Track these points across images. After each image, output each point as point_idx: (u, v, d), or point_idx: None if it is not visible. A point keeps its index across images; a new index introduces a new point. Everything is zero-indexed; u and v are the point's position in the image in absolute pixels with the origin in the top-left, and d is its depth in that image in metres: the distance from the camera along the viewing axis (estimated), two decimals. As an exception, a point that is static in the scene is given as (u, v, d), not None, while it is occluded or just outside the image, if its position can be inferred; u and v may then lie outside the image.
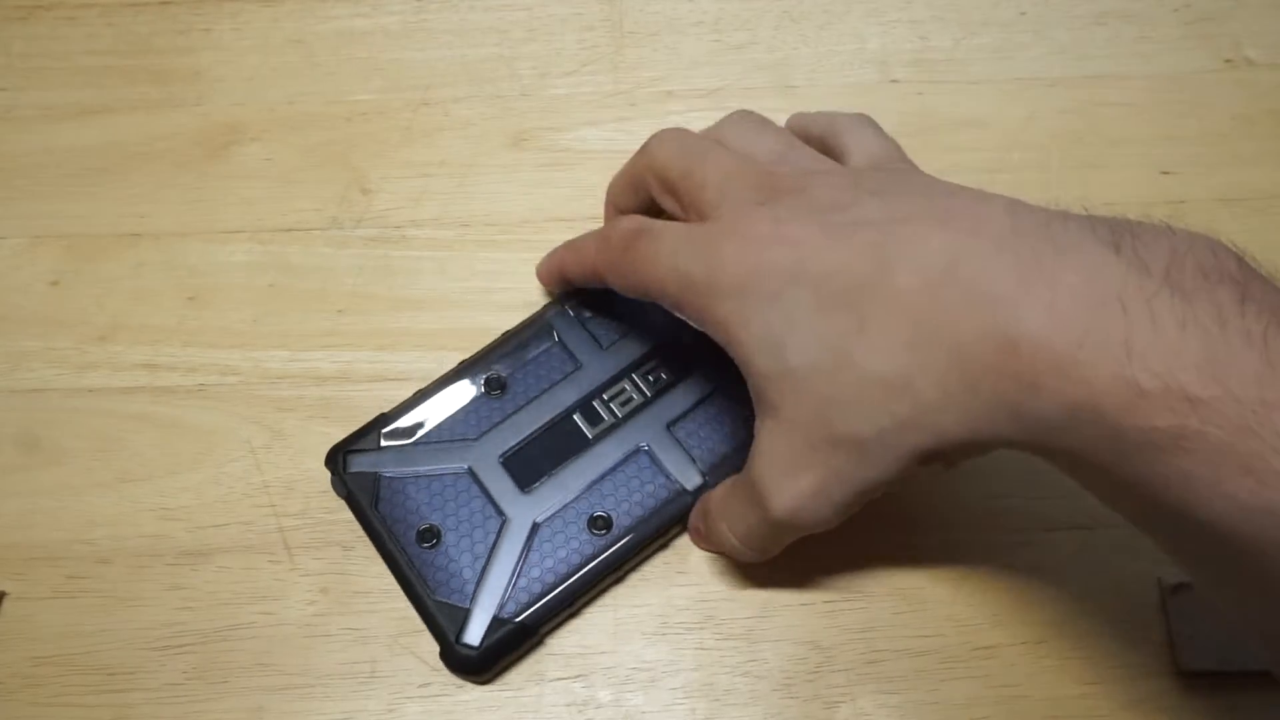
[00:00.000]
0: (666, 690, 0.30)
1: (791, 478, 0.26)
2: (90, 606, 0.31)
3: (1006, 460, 0.33)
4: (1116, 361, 0.20)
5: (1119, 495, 0.22)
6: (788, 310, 0.25)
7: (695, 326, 0.27)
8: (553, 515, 0.30)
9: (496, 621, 0.29)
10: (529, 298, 0.35)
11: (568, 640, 0.30)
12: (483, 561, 0.29)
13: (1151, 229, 0.21)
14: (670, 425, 0.31)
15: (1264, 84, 0.39)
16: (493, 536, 0.30)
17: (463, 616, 0.29)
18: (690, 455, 0.31)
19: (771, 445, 0.26)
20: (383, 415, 0.32)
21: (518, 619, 0.29)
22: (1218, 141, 0.38)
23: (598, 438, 0.31)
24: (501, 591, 0.29)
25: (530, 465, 0.31)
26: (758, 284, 0.25)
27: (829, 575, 0.31)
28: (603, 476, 0.30)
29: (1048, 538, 0.32)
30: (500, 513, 0.30)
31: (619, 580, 0.31)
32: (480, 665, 0.29)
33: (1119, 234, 0.21)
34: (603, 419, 0.31)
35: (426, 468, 0.31)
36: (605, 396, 0.31)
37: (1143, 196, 0.37)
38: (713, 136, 0.30)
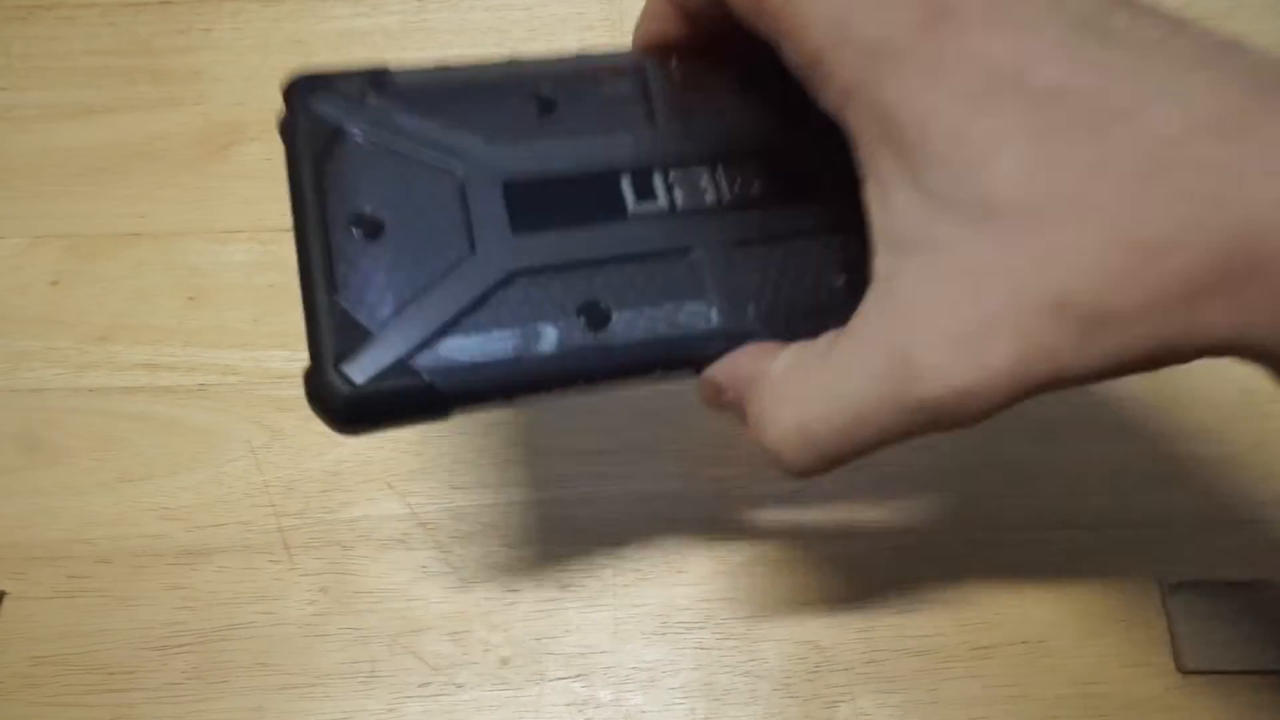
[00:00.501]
0: (666, 690, 0.30)
1: (972, 345, 0.18)
2: (90, 606, 0.31)
3: (1007, 460, 0.33)
4: None
5: None
6: (999, 119, 0.18)
7: (828, 107, 0.19)
8: (537, 275, 0.22)
9: (399, 366, 0.21)
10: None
11: (568, 640, 0.30)
12: (418, 288, 0.21)
13: None
14: (739, 245, 0.23)
15: (1264, 84, 0.39)
16: (446, 265, 0.21)
17: (358, 340, 0.21)
18: (751, 288, 0.23)
19: (938, 295, 0.18)
20: (386, 69, 0.23)
21: (428, 378, 0.21)
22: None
23: (639, 217, 0.23)
24: (424, 335, 0.21)
25: (537, 206, 0.22)
26: (958, 73, 0.18)
27: (829, 575, 0.31)
28: (623, 260, 0.22)
29: (1048, 537, 0.32)
30: (471, 244, 0.22)
31: (581, 391, 0.22)
32: (349, 411, 0.21)
33: None
34: (656, 198, 0.23)
35: (407, 148, 0.22)
36: (670, 176, 0.23)
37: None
38: None
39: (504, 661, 0.30)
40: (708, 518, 0.32)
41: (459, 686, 0.30)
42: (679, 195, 0.23)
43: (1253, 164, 0.17)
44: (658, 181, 0.23)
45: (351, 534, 0.32)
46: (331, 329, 0.21)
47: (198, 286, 0.36)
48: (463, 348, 0.21)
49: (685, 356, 0.22)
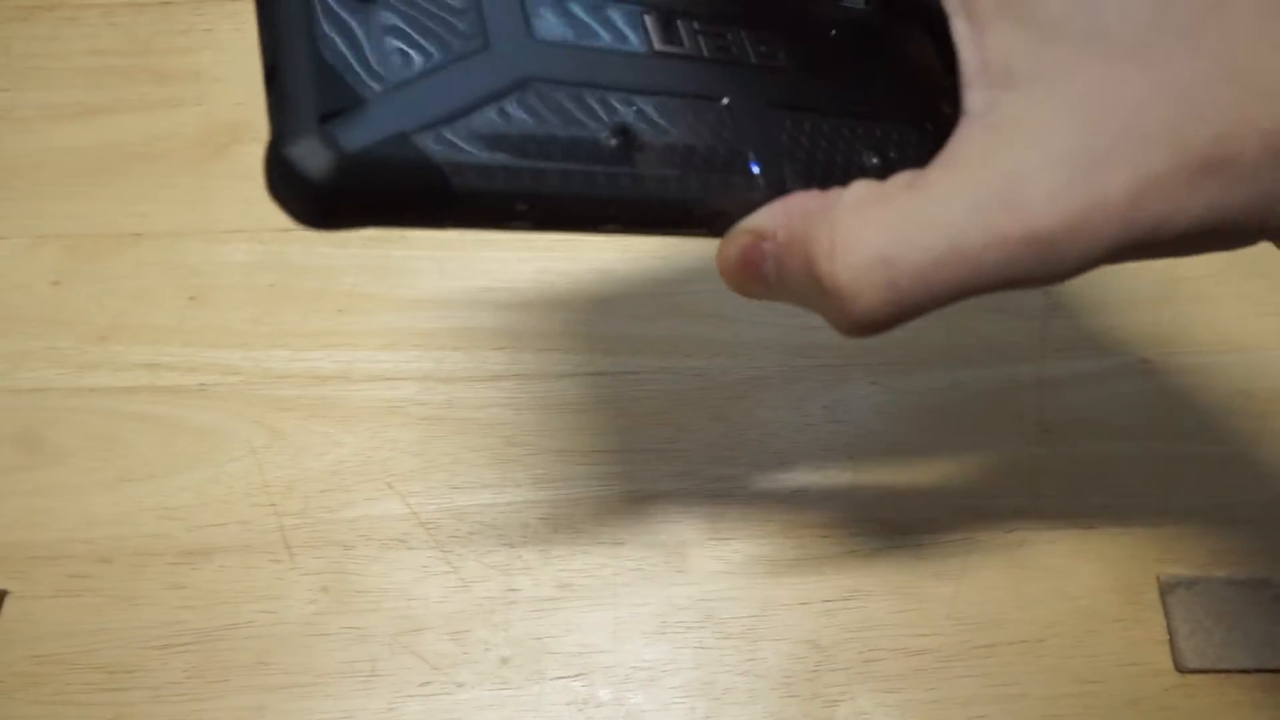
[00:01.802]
0: (666, 689, 0.30)
1: (1089, 169, 0.17)
2: (91, 605, 0.31)
3: (1007, 460, 0.33)
4: None
5: None
6: None
7: None
8: (558, 86, 0.19)
9: (399, 139, 0.17)
10: (529, 297, 0.35)
11: (568, 639, 0.31)
12: (419, 70, 0.18)
13: None
14: (771, 105, 0.21)
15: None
16: (453, 54, 0.19)
17: (347, 102, 0.17)
18: (786, 147, 0.21)
19: (1045, 125, 0.17)
20: None
21: (435, 157, 0.17)
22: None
23: (665, 55, 0.21)
24: (428, 117, 0.18)
25: (558, 17, 0.20)
26: None
27: (828, 575, 0.31)
28: (653, 92, 0.20)
29: (1047, 537, 0.32)
30: (485, 39, 0.19)
31: (593, 226, 0.20)
32: (335, 180, 0.16)
33: None
34: (682, 43, 0.21)
35: None
36: (697, 25, 0.21)
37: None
38: None
39: (504, 661, 0.30)
40: (708, 518, 0.32)
41: (459, 686, 0.30)
42: (705, 44, 0.21)
43: None
44: (682, 27, 0.21)
45: (352, 533, 0.32)
46: (314, 83, 0.17)
47: (198, 286, 0.36)
48: (472, 137, 0.18)
49: (721, 201, 0.20)
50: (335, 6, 0.17)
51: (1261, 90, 0.16)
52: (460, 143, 0.18)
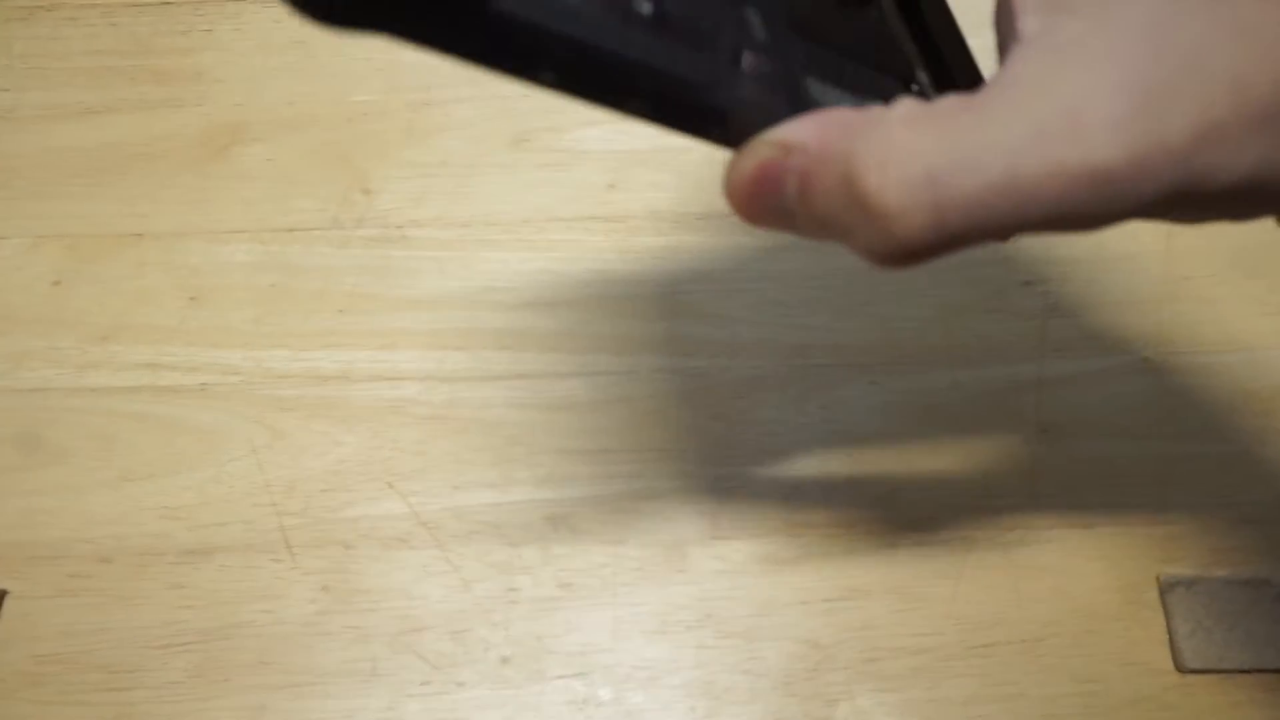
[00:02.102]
0: (667, 688, 0.30)
1: (1154, 102, 0.16)
2: (92, 605, 0.31)
3: (1006, 459, 0.33)
4: None
5: None
6: None
7: None
8: None
9: None
10: (530, 297, 0.35)
11: (568, 639, 0.31)
12: None
13: None
14: (793, 26, 0.21)
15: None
16: None
17: None
18: (806, 64, 0.20)
19: (1116, 50, 0.16)
20: None
21: None
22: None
23: None
24: None
25: None
26: None
27: (828, 574, 0.31)
28: None
29: (1047, 537, 0.32)
30: None
31: (609, 100, 0.19)
32: None
33: None
34: None
35: None
36: None
37: (1142, 196, 0.37)
38: None
39: (504, 660, 0.30)
40: (708, 517, 0.32)
41: (460, 685, 0.30)
42: None
43: None
44: None
45: (353, 533, 0.32)
46: None
47: (199, 287, 0.36)
48: None
49: (741, 93, 0.19)
50: None
51: None
52: None
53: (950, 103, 0.17)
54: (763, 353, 0.35)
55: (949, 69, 0.24)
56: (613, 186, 0.38)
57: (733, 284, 0.36)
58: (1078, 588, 0.31)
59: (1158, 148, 0.16)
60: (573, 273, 0.36)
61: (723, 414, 0.34)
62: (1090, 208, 0.16)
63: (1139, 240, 0.36)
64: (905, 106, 0.17)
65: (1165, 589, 0.30)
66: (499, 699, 0.30)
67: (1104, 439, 0.33)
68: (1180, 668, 0.29)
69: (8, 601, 0.31)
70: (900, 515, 0.32)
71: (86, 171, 0.38)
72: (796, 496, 0.32)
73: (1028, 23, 0.17)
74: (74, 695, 0.30)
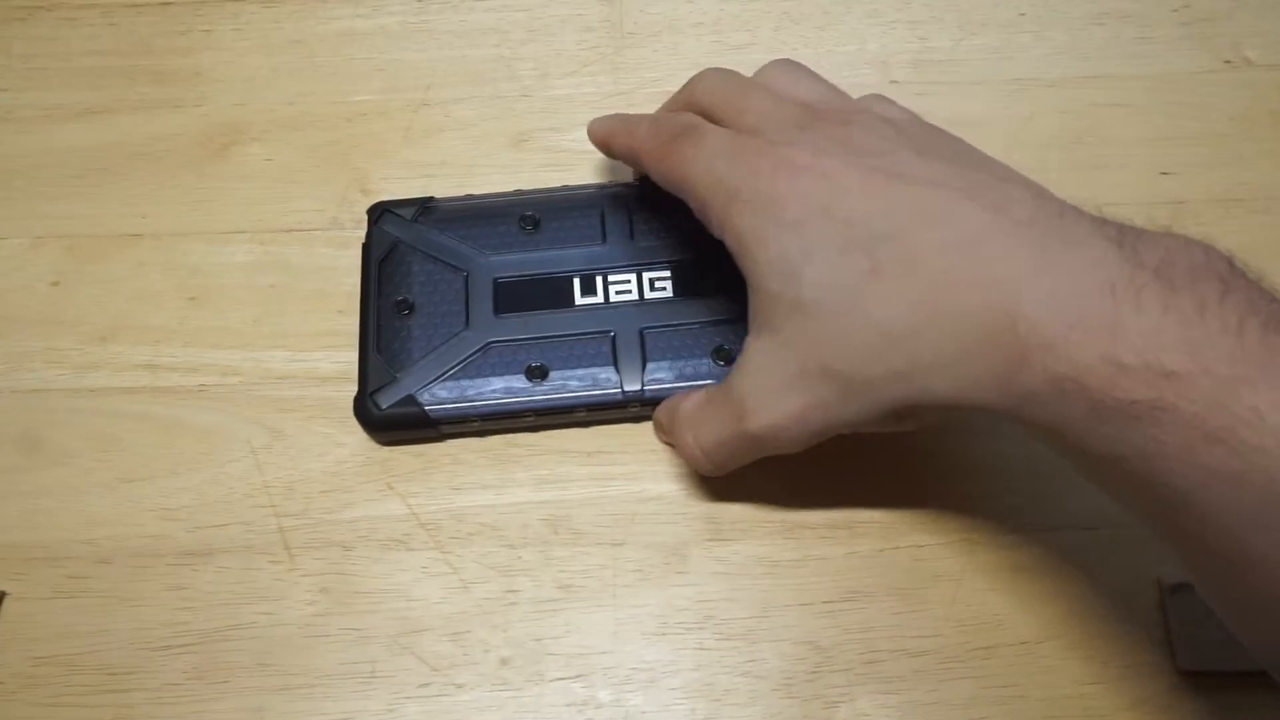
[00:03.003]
0: (666, 690, 0.30)
1: (777, 398, 0.27)
2: (91, 606, 0.31)
3: (1006, 459, 0.33)
4: (1103, 341, 0.21)
5: (1095, 468, 0.23)
6: (809, 241, 0.26)
7: (715, 234, 0.28)
8: (505, 344, 0.33)
9: (408, 399, 0.32)
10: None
11: (568, 640, 0.31)
12: (431, 350, 0.33)
13: (1154, 233, 0.23)
14: (644, 330, 0.33)
15: (1264, 84, 0.39)
16: (448, 335, 0.33)
17: (387, 380, 0.32)
18: (644, 363, 0.32)
19: (764, 363, 0.27)
20: (432, 198, 0.36)
21: (425, 407, 0.32)
22: (1217, 142, 0.38)
23: (582, 308, 0.33)
24: (428, 379, 0.32)
25: (513, 297, 0.33)
26: (785, 207, 0.26)
27: (828, 575, 0.31)
28: (564, 338, 0.33)
29: (1048, 537, 0.32)
30: (467, 320, 0.33)
31: (531, 428, 0.33)
32: (377, 423, 0.32)
33: (1124, 234, 0.23)
34: (595, 294, 0.33)
35: (436, 254, 0.34)
36: (609, 278, 0.34)
37: (1142, 197, 0.37)
38: (756, 80, 0.31)
39: (504, 662, 0.30)
40: (708, 518, 0.32)
41: (459, 687, 0.30)
42: (611, 291, 0.34)
43: (968, 272, 0.24)
44: (599, 281, 0.34)
45: (352, 534, 0.32)
46: (374, 372, 0.33)
47: (198, 287, 0.36)
48: (449, 390, 0.32)
49: (598, 406, 0.32)
50: (392, 320, 0.33)
51: (890, 335, 0.25)
52: (442, 395, 0.32)
53: (707, 395, 0.30)
54: (763, 354, 0.35)
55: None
56: (613, 187, 0.38)
57: (733, 285, 0.36)
58: (1078, 589, 0.31)
59: (783, 421, 0.27)
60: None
61: (723, 415, 0.34)
62: (767, 450, 0.28)
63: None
64: (693, 399, 0.31)
65: (1165, 590, 0.30)
66: (498, 701, 0.30)
67: (1104, 440, 0.33)
68: (1180, 669, 0.29)
69: (7, 603, 0.31)
70: (900, 516, 0.32)
71: (86, 171, 0.38)
72: (796, 497, 0.32)
73: (747, 340, 0.28)
74: (73, 697, 0.30)
